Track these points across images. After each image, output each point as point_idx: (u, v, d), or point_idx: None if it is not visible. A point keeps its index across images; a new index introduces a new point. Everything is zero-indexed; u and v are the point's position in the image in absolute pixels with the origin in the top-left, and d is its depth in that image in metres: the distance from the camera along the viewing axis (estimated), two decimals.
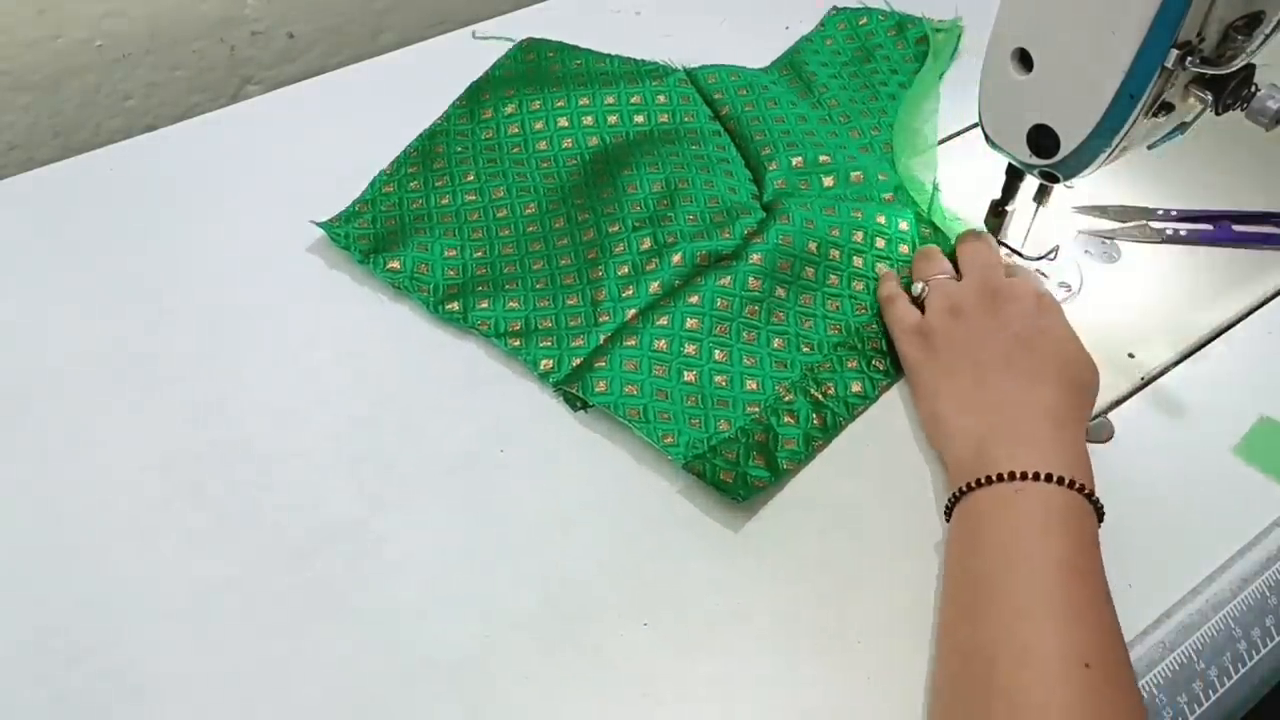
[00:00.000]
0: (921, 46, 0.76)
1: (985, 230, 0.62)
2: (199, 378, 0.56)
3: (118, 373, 0.56)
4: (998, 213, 0.61)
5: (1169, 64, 0.47)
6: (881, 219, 0.61)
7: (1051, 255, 0.63)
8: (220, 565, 0.49)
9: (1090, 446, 0.54)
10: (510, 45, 0.74)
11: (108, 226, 0.64)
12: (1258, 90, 0.50)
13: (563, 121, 0.67)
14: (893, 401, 0.56)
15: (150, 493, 0.51)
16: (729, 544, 0.50)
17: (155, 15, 0.75)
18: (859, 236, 0.60)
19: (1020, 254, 0.62)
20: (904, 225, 0.62)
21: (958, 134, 0.72)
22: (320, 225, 0.62)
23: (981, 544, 0.45)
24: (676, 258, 0.59)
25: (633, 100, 0.68)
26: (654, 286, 0.58)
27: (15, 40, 0.71)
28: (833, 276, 0.59)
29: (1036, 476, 0.45)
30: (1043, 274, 0.62)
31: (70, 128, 0.77)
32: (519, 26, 0.79)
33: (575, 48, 0.74)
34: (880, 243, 0.61)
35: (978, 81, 0.56)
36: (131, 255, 0.62)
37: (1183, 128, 0.52)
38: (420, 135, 0.67)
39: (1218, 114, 0.50)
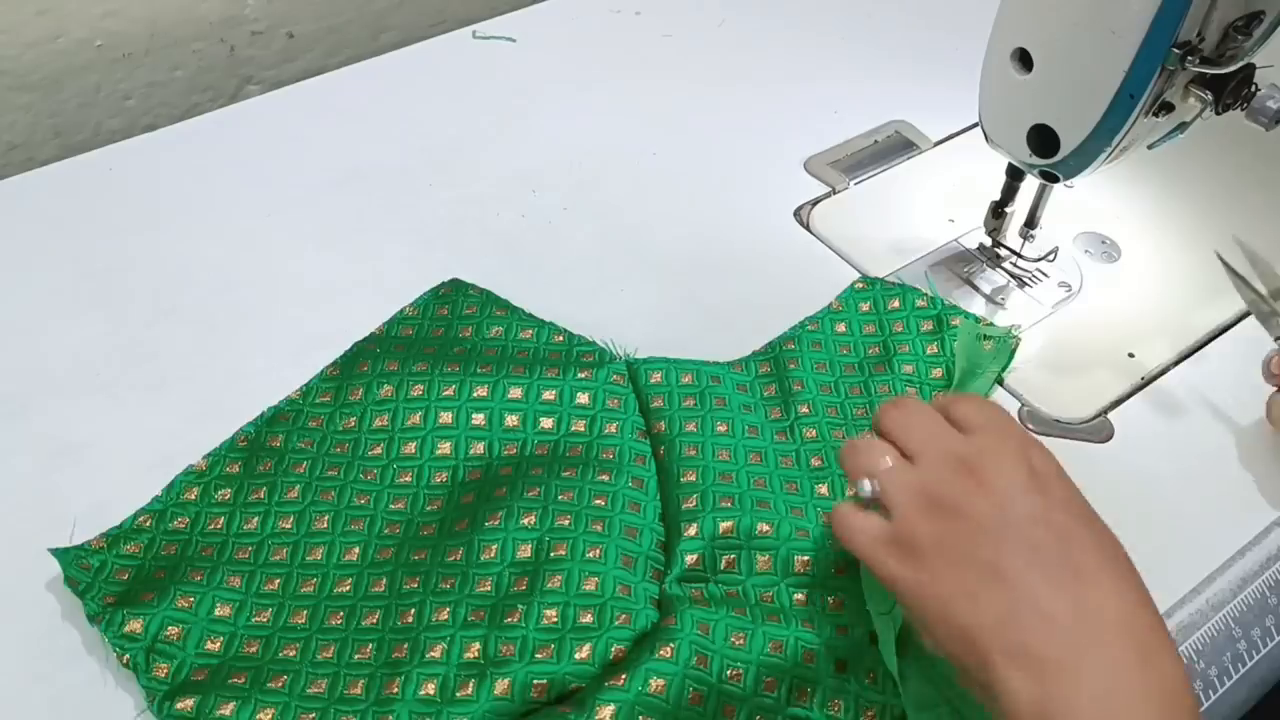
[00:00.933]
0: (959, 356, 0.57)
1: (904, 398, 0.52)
2: (199, 378, 0.56)
3: (118, 373, 0.56)
4: (998, 214, 0.61)
5: (1169, 64, 0.47)
6: (837, 664, 0.44)
7: (1051, 256, 0.63)
8: None
9: (1090, 446, 0.54)
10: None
11: (108, 226, 0.64)
12: (1258, 90, 0.50)
13: (445, 418, 0.51)
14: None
15: (150, 492, 0.51)
16: None
17: (155, 15, 0.75)
18: (772, 688, 0.43)
19: (1020, 254, 0.62)
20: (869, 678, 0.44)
21: (958, 134, 0.72)
22: (57, 554, 0.47)
23: None
24: (502, 685, 0.42)
25: (545, 397, 0.52)
26: None
27: (15, 40, 0.71)
28: None
29: None
30: (1043, 274, 0.62)
31: (70, 128, 0.77)
32: (519, 26, 0.79)
33: (503, 304, 0.58)
34: (836, 707, 0.43)
35: (977, 81, 0.56)
36: (131, 255, 0.62)
37: (1183, 128, 0.52)
38: (262, 414, 0.53)
39: (1218, 114, 0.50)
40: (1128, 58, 0.47)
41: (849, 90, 0.76)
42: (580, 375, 0.54)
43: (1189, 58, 0.46)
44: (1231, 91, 0.49)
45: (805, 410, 0.54)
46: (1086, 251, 0.64)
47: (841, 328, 0.58)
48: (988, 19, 0.53)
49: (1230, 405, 0.56)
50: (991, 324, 0.59)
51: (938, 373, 0.56)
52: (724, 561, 0.47)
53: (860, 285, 0.61)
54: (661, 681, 0.41)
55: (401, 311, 0.58)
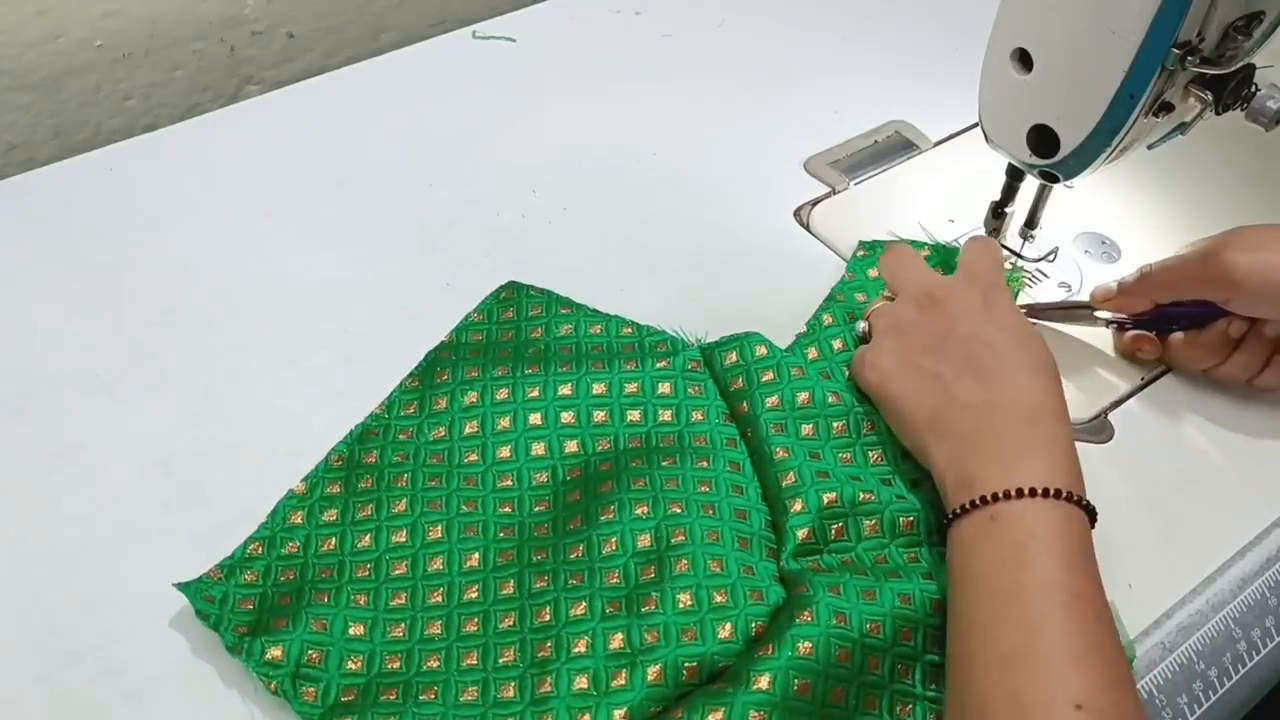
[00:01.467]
0: None
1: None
2: (199, 378, 0.56)
3: (118, 373, 0.56)
4: (998, 214, 0.61)
5: (1169, 64, 0.47)
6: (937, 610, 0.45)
7: (1051, 256, 0.63)
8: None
9: (1090, 446, 0.54)
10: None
11: (108, 226, 0.64)
12: (1258, 90, 0.50)
13: (535, 419, 0.52)
14: None
15: (150, 493, 0.51)
16: None
17: (155, 15, 0.75)
18: (908, 637, 0.44)
19: (1020, 255, 0.62)
20: None
21: (958, 134, 0.72)
22: (182, 589, 0.46)
23: (967, 582, 0.43)
24: (654, 671, 0.43)
25: (628, 390, 0.53)
26: (618, 716, 0.42)
27: (15, 40, 0.71)
28: (870, 696, 0.43)
29: (1009, 495, 0.43)
30: (1043, 274, 0.62)
31: (70, 128, 0.77)
32: (520, 26, 0.79)
33: (566, 302, 0.58)
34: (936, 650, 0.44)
35: (978, 81, 0.56)
36: (131, 255, 0.62)
37: (1183, 128, 0.52)
38: (351, 432, 0.52)
39: (1218, 114, 0.50)
40: (1128, 58, 0.47)
41: (849, 90, 0.76)
42: (658, 365, 0.54)
43: (1189, 58, 0.46)
44: (1231, 91, 0.49)
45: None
46: (1086, 251, 0.64)
47: (861, 298, 0.59)
48: (988, 19, 0.53)
49: (1230, 405, 0.56)
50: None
51: None
52: (833, 531, 0.48)
53: (862, 252, 0.62)
54: (809, 644, 0.42)
55: (467, 318, 0.58)
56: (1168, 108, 0.50)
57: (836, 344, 0.56)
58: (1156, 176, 0.68)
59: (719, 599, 0.45)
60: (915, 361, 0.50)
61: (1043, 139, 0.53)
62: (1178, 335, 0.55)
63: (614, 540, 0.47)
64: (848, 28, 0.82)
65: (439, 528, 0.48)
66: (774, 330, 0.59)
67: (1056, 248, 0.63)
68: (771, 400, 0.52)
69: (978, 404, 0.47)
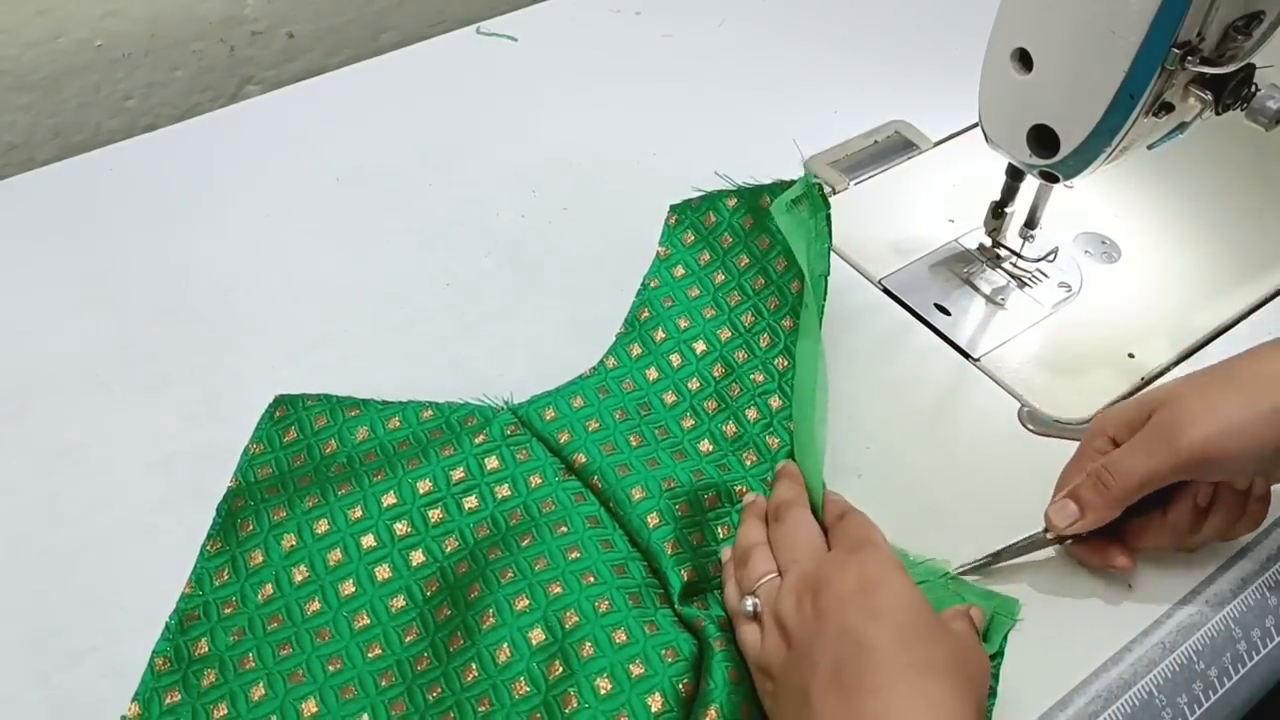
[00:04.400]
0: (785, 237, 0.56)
1: (790, 470, 0.51)
2: (199, 377, 0.56)
3: (118, 372, 0.56)
4: (998, 213, 0.61)
5: (1169, 64, 0.47)
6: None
7: (1051, 256, 0.63)
8: None
9: None
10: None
11: (108, 226, 0.64)
12: (1258, 90, 0.50)
13: (368, 541, 0.47)
14: (892, 401, 0.56)
15: (150, 493, 0.51)
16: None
17: (155, 15, 0.75)
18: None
19: (1020, 255, 0.62)
20: None
21: (958, 134, 0.72)
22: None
23: None
24: None
25: (454, 477, 0.48)
26: None
27: (15, 40, 0.71)
28: None
29: None
30: (1043, 274, 0.62)
31: (70, 128, 0.77)
32: (519, 26, 0.79)
33: (350, 402, 0.52)
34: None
35: (978, 81, 0.56)
36: (131, 255, 0.62)
37: (1183, 128, 0.52)
38: (167, 626, 0.46)
39: (1218, 114, 0.50)
40: (1128, 58, 0.47)
41: (849, 90, 0.76)
42: (476, 441, 0.50)
43: (1189, 58, 0.46)
44: (1231, 91, 0.49)
45: (695, 385, 0.55)
46: (1086, 251, 0.64)
47: (680, 271, 0.58)
48: (988, 19, 0.53)
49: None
50: (788, 182, 0.58)
51: (781, 263, 0.57)
52: (694, 538, 0.48)
53: (673, 220, 0.61)
54: (736, 672, 0.42)
55: (246, 453, 0.51)
56: (1168, 108, 0.50)
57: (658, 335, 0.57)
58: (1156, 176, 0.68)
59: (637, 671, 0.42)
60: (789, 676, 0.41)
61: (1043, 139, 0.53)
62: (1143, 524, 0.48)
63: (505, 647, 0.43)
64: (848, 28, 0.82)
65: (312, 701, 0.43)
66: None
67: (1056, 248, 0.63)
68: (607, 448, 0.50)
69: None
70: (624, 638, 0.43)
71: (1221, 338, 0.60)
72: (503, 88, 0.75)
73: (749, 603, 0.44)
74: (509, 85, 0.75)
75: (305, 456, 0.51)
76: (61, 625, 0.46)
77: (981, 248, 0.64)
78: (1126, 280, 0.63)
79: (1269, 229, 0.66)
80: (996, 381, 0.57)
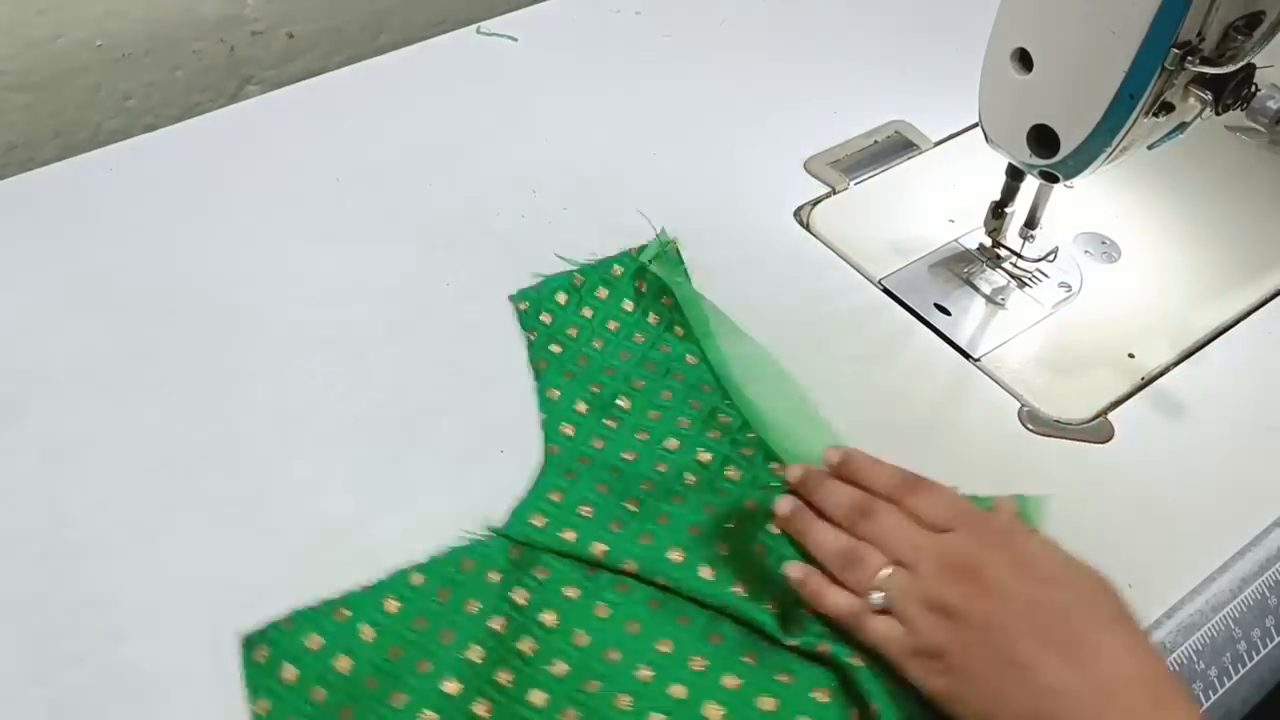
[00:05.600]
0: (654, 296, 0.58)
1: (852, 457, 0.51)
2: (199, 378, 0.56)
3: (118, 373, 0.56)
4: (998, 214, 0.61)
5: (1169, 64, 0.47)
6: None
7: (1051, 256, 0.63)
8: (220, 565, 0.49)
9: (1090, 446, 0.54)
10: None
11: (108, 226, 0.64)
12: (1258, 90, 0.50)
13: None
14: (893, 401, 0.56)
15: (150, 493, 0.51)
16: None
17: (155, 15, 0.75)
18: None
19: (1020, 255, 0.62)
20: None
21: (958, 134, 0.72)
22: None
23: None
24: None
25: (496, 628, 0.45)
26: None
27: (15, 40, 0.71)
28: None
29: None
30: (1043, 274, 0.62)
31: (70, 128, 0.77)
32: (519, 26, 0.79)
33: (321, 608, 0.46)
34: None
35: (978, 81, 0.56)
36: (131, 255, 0.62)
37: (1183, 128, 0.52)
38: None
39: (1218, 114, 0.50)
40: (1128, 58, 0.47)
41: (849, 90, 0.76)
42: (491, 580, 0.47)
43: (1189, 58, 0.46)
44: (1231, 91, 0.49)
45: (644, 436, 0.53)
46: (1086, 251, 0.64)
47: (557, 348, 0.57)
48: (988, 19, 0.53)
49: (1230, 405, 0.56)
50: (637, 249, 0.61)
51: (654, 318, 0.59)
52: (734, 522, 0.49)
53: (524, 306, 0.59)
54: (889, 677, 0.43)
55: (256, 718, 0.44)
56: (1168, 108, 0.50)
57: (579, 407, 0.54)
58: (1156, 176, 0.68)
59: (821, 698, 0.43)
60: (983, 650, 0.41)
61: (1043, 139, 0.53)
62: None
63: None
64: (848, 28, 0.82)
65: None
66: (773, 329, 0.59)
67: (1056, 247, 0.63)
68: (599, 519, 0.49)
69: (1077, 689, 0.39)
70: (771, 704, 0.43)
71: (1221, 338, 0.60)
72: (503, 88, 0.75)
73: (877, 597, 0.44)
74: (509, 85, 0.75)
75: (324, 689, 0.44)
76: (61, 625, 0.46)
77: (981, 248, 0.64)
78: (1126, 280, 0.63)
79: (1269, 229, 0.66)
80: (996, 381, 0.57)
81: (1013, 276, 0.63)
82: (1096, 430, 0.55)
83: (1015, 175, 0.59)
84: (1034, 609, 0.41)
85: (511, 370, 0.57)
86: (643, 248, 0.61)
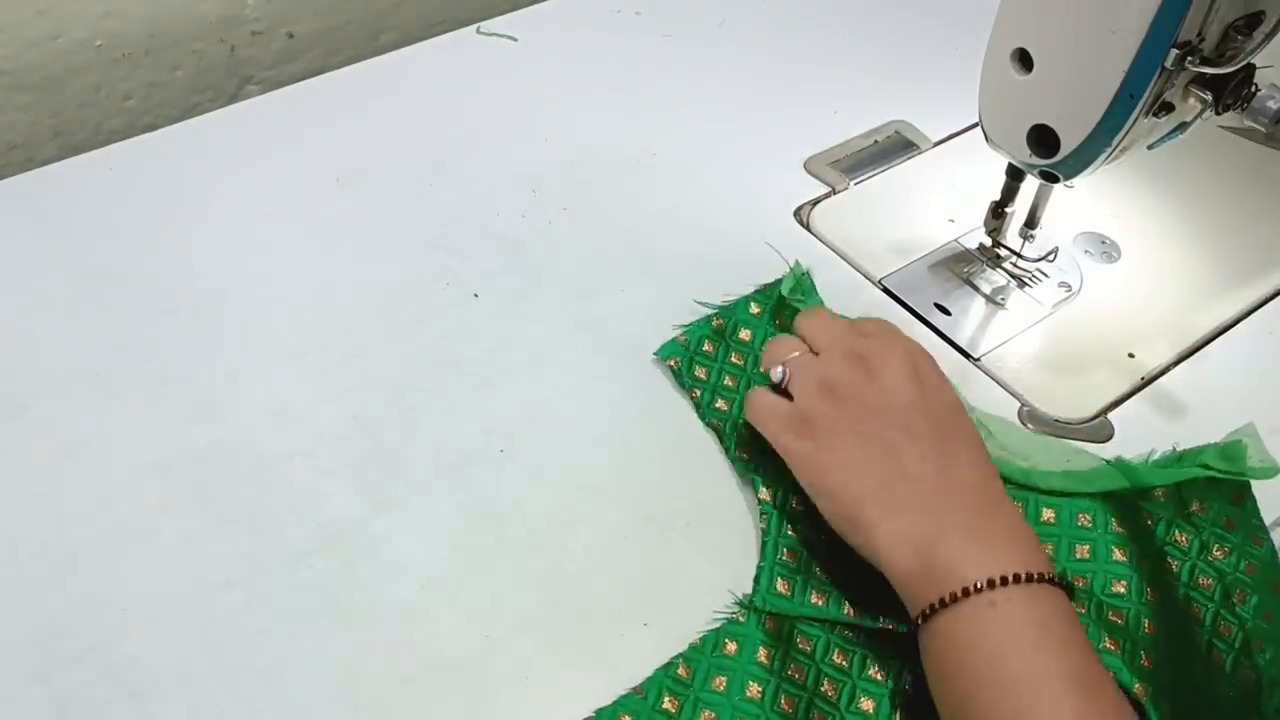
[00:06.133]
0: None
1: (819, 306, 0.57)
2: (199, 378, 0.56)
3: (118, 373, 0.56)
4: (998, 214, 0.61)
5: (1169, 64, 0.47)
6: None
7: (1052, 255, 0.63)
8: (220, 565, 0.49)
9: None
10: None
11: (108, 226, 0.64)
12: (1258, 90, 0.50)
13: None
14: None
15: (150, 493, 0.51)
16: (729, 544, 0.50)
17: (155, 15, 0.75)
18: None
19: (1020, 254, 0.62)
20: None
21: (958, 134, 0.72)
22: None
23: (967, 671, 0.40)
24: None
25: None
26: None
27: (15, 40, 0.71)
28: None
29: (1005, 581, 0.40)
30: (1043, 274, 0.62)
31: (70, 128, 0.77)
32: (519, 26, 0.79)
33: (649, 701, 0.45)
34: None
35: (978, 81, 0.56)
36: (131, 255, 0.62)
37: (1183, 128, 0.52)
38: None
39: (1218, 114, 0.50)
40: (1128, 58, 0.47)
41: (849, 90, 0.76)
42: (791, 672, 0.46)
43: (1189, 58, 0.46)
44: (1231, 91, 0.49)
45: None
46: (1086, 251, 0.64)
47: (722, 404, 0.55)
48: (988, 19, 0.53)
49: (1230, 405, 0.56)
50: (776, 283, 0.59)
51: None
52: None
53: (674, 363, 0.56)
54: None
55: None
56: (1168, 108, 0.50)
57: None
58: (1156, 176, 0.68)
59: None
60: (854, 427, 0.46)
61: (1043, 139, 0.53)
62: None
63: None
64: (848, 28, 0.82)
65: None
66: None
67: (1056, 247, 0.63)
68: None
69: (932, 479, 0.44)
70: None
71: (1221, 338, 0.60)
72: (503, 88, 0.75)
73: (778, 370, 0.50)
74: (509, 85, 0.75)
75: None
76: (61, 625, 0.46)
77: (981, 248, 0.64)
78: (1126, 280, 0.63)
79: (1269, 229, 0.66)
80: (997, 381, 0.57)
81: (1013, 276, 0.63)
82: (1096, 430, 0.55)
83: (1015, 175, 0.59)
84: (911, 409, 0.46)
85: (512, 370, 0.57)
86: (778, 281, 0.59)
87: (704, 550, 0.50)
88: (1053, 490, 0.50)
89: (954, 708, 0.40)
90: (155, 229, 0.64)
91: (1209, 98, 0.49)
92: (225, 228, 0.64)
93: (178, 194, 0.66)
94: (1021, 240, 0.62)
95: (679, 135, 0.72)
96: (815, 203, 0.67)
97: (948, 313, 0.61)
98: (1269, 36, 0.47)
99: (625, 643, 0.47)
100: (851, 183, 0.68)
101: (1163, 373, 0.58)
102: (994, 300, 0.62)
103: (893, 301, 0.61)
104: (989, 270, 0.63)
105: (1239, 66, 0.47)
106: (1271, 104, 0.49)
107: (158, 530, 0.50)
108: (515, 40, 0.78)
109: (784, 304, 0.58)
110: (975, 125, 0.57)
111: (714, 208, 0.67)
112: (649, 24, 0.81)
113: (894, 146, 0.71)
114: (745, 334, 0.57)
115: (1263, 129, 0.50)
